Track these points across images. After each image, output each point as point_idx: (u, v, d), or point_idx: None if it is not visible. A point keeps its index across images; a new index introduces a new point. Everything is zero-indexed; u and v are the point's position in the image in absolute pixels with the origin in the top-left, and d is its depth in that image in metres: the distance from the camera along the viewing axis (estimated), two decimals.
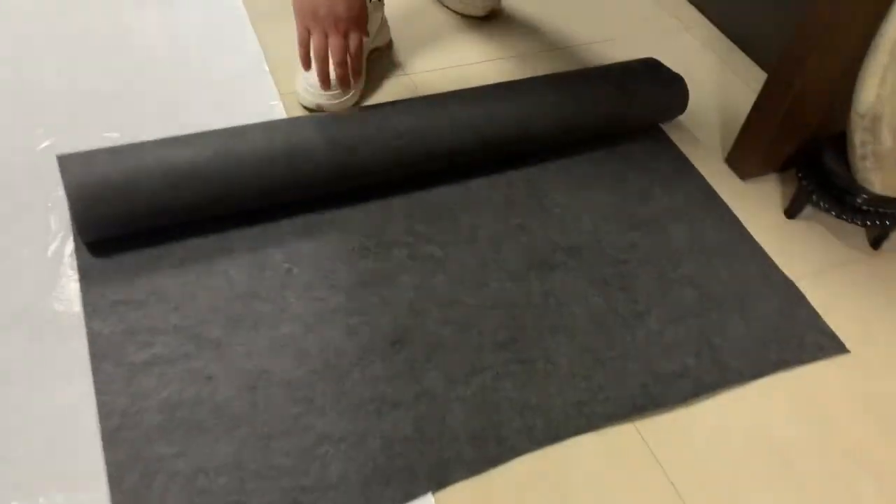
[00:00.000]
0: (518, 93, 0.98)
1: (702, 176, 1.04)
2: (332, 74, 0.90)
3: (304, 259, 0.86)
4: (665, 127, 1.10)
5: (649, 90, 1.04)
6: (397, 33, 1.20)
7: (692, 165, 1.05)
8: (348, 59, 0.87)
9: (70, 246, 0.84)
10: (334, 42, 0.85)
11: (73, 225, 0.84)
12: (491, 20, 1.26)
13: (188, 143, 0.85)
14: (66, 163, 0.81)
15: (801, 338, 0.86)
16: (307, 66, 0.89)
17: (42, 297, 0.79)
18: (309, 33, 0.86)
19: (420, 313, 0.83)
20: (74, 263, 0.82)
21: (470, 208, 0.95)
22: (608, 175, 1.02)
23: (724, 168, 1.06)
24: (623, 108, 1.03)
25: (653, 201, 0.99)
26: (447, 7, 1.27)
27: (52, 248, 0.84)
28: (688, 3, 1.35)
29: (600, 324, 0.85)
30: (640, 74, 1.05)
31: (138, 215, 0.82)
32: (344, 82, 0.90)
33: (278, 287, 0.83)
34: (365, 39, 0.86)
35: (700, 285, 0.90)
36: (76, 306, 0.79)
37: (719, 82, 1.20)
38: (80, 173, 0.80)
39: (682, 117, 1.12)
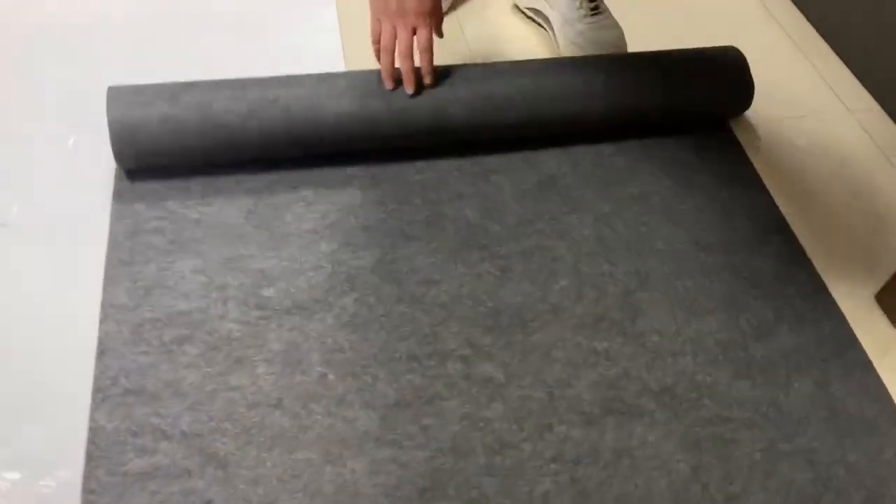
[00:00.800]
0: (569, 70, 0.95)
1: (841, 313, 0.84)
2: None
3: (343, 362, 0.75)
4: (804, 240, 0.91)
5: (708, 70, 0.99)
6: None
7: (830, 296, 0.86)
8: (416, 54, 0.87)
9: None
10: (402, 36, 0.85)
11: (113, 154, 0.85)
12: None
13: (241, 86, 0.87)
14: (114, 93, 0.85)
15: None
16: (380, 61, 0.88)
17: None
18: (381, 26, 0.86)
19: (463, 455, 0.70)
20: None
21: (548, 320, 0.80)
22: (724, 295, 0.84)
23: (873, 306, 0.85)
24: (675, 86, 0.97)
25: (774, 339, 0.81)
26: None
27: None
28: (859, 85, 1.13)
29: (682, 503, 0.69)
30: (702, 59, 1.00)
31: (175, 148, 0.85)
32: (409, 77, 0.87)
33: (306, 397, 0.72)
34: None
35: (818, 466, 0.72)
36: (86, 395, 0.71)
37: (883, 193, 0.99)
38: (125, 104, 0.84)
39: (827, 233, 0.92)
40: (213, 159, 0.88)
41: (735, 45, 1.03)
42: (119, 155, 0.85)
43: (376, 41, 0.87)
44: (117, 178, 0.89)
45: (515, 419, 0.73)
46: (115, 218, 0.85)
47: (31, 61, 1.03)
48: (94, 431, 0.69)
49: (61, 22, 1.08)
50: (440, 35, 0.89)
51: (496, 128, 0.92)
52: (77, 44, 1.06)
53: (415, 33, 0.86)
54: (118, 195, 0.87)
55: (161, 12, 1.12)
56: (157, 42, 1.07)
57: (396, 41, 0.86)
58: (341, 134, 0.88)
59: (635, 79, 0.96)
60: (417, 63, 0.88)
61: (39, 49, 1.04)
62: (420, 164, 0.94)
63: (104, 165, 0.89)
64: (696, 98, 0.99)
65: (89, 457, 0.67)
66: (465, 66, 0.93)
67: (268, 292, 0.80)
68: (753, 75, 1.00)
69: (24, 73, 1.01)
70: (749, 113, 1.06)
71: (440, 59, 0.90)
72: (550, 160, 0.96)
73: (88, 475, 0.66)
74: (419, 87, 0.88)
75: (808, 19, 1.24)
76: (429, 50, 0.86)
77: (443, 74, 0.90)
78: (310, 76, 0.90)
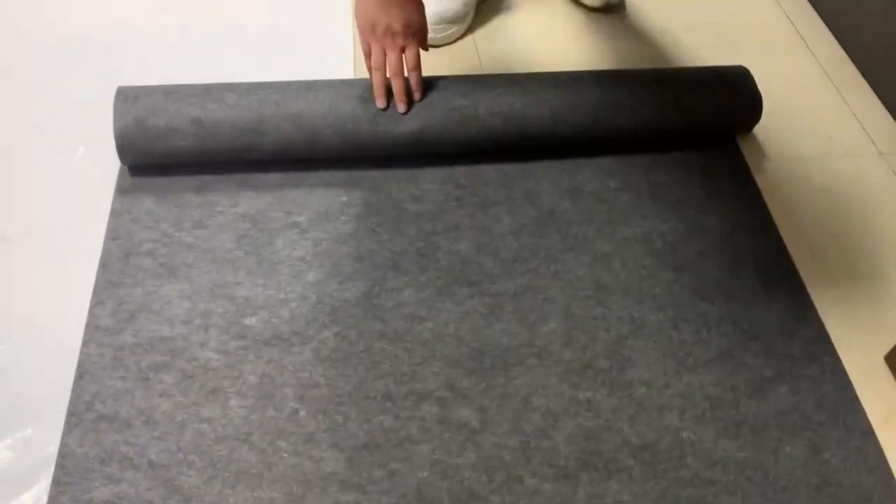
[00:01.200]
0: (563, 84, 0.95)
1: (846, 373, 0.80)
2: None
3: (317, 398, 0.74)
4: (814, 293, 0.86)
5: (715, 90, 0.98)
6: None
7: (836, 354, 0.81)
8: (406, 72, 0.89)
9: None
10: (391, 57, 0.88)
11: (117, 155, 0.88)
12: (608, 14, 1.08)
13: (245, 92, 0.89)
14: (123, 93, 0.88)
15: None
16: (371, 79, 0.90)
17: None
18: (370, 47, 0.88)
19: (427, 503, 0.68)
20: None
21: (533, 364, 0.78)
22: (721, 348, 0.81)
23: (881, 368, 0.81)
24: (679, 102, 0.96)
25: (769, 398, 0.77)
26: None
27: None
28: (890, 120, 1.08)
29: None
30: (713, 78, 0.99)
31: (176, 146, 0.87)
32: (401, 96, 0.89)
33: (275, 433, 0.72)
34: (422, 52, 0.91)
35: None
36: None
37: None
38: (132, 102, 0.87)
39: (840, 286, 0.87)
40: (214, 158, 0.90)
41: (764, 73, 0.99)
42: (121, 149, 0.87)
43: (368, 55, 0.90)
44: (115, 197, 0.90)
45: (486, 469, 0.71)
46: (110, 238, 0.86)
47: (45, 73, 1.05)
48: (64, 456, 0.69)
49: (78, 33, 1.10)
50: (426, 49, 0.92)
51: (505, 139, 0.94)
52: (92, 57, 1.07)
53: (403, 52, 0.88)
54: (115, 215, 0.88)
55: (175, 26, 1.13)
56: (171, 57, 1.09)
57: (386, 61, 0.88)
58: (347, 135, 0.90)
59: (637, 92, 0.95)
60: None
61: (55, 60, 1.06)
62: (418, 193, 0.92)
63: (103, 184, 0.90)
64: (698, 106, 0.97)
65: (56, 482, 0.68)
66: (465, 77, 0.96)
67: (250, 321, 0.79)
68: (778, 108, 0.96)
69: (38, 84, 1.03)
70: (768, 149, 1.02)
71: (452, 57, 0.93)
72: (553, 193, 0.94)
73: (53, 501, 0.66)
74: (409, 105, 0.90)
75: (846, 50, 1.19)
76: (418, 68, 0.89)
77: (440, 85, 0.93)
78: (318, 82, 0.92)
